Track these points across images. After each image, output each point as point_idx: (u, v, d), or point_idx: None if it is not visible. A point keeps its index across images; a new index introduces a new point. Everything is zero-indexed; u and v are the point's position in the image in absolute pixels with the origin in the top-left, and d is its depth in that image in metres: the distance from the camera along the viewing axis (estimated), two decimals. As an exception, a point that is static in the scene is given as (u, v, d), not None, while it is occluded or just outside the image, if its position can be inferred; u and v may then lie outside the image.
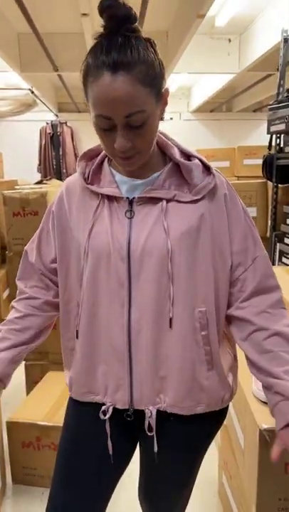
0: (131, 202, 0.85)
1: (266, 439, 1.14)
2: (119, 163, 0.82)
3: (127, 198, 0.85)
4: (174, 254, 0.82)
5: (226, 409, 0.97)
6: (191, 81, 6.61)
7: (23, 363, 2.28)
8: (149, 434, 0.87)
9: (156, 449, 0.88)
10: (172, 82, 6.30)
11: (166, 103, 0.81)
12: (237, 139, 7.11)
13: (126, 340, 0.85)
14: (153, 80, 0.75)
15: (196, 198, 0.84)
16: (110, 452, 0.90)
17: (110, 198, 0.87)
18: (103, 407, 0.89)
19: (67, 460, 0.93)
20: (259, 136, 6.98)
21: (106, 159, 0.90)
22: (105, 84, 0.72)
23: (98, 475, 0.92)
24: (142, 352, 0.85)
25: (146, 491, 1.01)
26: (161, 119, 0.82)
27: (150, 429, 0.87)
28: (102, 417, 0.89)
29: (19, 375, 2.31)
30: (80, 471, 0.92)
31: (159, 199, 0.84)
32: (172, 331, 0.84)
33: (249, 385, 1.33)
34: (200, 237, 0.84)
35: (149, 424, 0.86)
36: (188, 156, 0.88)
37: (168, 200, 0.84)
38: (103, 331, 0.87)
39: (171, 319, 0.83)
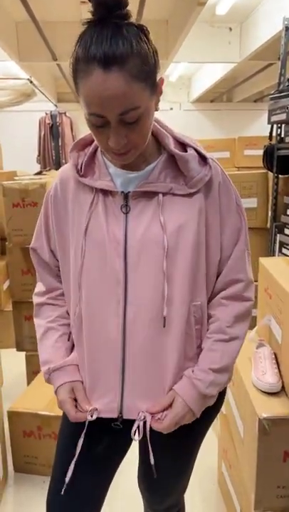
0: (126, 196, 0.83)
1: (265, 428, 1.15)
2: (114, 158, 0.80)
3: (122, 192, 0.83)
4: (171, 250, 0.80)
5: (224, 392, 0.97)
6: (191, 70, 6.55)
7: (24, 353, 2.30)
8: (134, 438, 0.84)
9: (152, 460, 0.85)
10: (172, 72, 6.23)
11: (161, 92, 0.78)
12: (238, 129, 7.06)
13: (120, 338, 0.83)
14: (147, 74, 0.71)
15: (192, 191, 0.83)
16: (77, 455, 0.87)
17: (105, 192, 0.84)
18: (88, 414, 0.85)
19: (66, 451, 0.93)
20: (260, 126, 6.93)
21: (99, 149, 0.88)
22: (97, 82, 0.68)
23: (96, 464, 0.92)
24: (136, 351, 0.83)
25: (146, 477, 1.02)
26: (156, 109, 0.79)
27: (141, 433, 0.83)
28: (89, 418, 0.85)
29: (20, 365, 2.33)
30: (78, 461, 0.91)
31: (155, 193, 0.82)
32: (167, 329, 0.83)
33: (248, 374, 1.33)
34: (197, 231, 0.83)
35: (139, 427, 0.83)
36: (183, 146, 0.85)
37: (164, 194, 0.82)
38: (97, 330, 0.85)
39: (165, 318, 0.82)
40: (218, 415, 1.70)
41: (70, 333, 0.94)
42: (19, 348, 2.28)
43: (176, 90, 7.50)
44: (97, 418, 0.85)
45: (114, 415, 0.86)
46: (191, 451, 0.97)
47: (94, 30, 0.68)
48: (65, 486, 0.87)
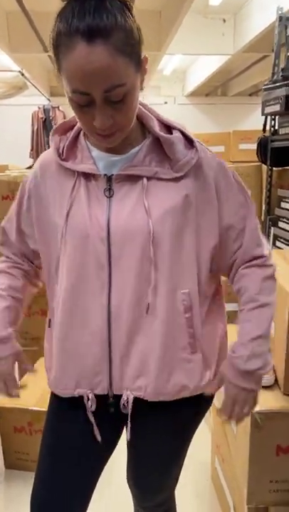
0: (109, 179, 0.81)
1: (258, 421, 1.14)
2: (99, 141, 0.77)
3: (105, 175, 0.81)
4: (157, 236, 0.78)
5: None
6: (186, 63, 6.50)
7: (16, 349, 2.27)
8: (123, 411, 0.85)
9: (128, 437, 0.86)
10: (166, 65, 6.18)
11: (145, 71, 0.75)
12: (233, 123, 7.03)
13: (105, 325, 0.82)
14: (133, 48, 0.69)
15: (178, 175, 0.80)
16: (99, 439, 0.88)
17: (87, 176, 0.82)
18: (89, 403, 0.85)
19: (51, 448, 0.91)
20: (255, 120, 6.90)
21: (82, 132, 0.85)
22: (81, 56, 0.65)
23: (82, 461, 0.90)
24: (121, 338, 0.82)
25: (135, 472, 0.99)
26: (141, 89, 0.76)
27: (126, 409, 0.84)
28: (88, 409, 0.85)
29: (11, 361, 2.30)
30: (63, 458, 0.89)
31: (139, 177, 0.80)
32: (153, 316, 0.81)
33: (241, 368, 1.32)
34: (184, 217, 0.80)
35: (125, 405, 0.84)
36: (169, 128, 0.83)
37: (149, 178, 0.80)
38: (82, 317, 0.83)
39: (148, 305, 0.80)
40: (211, 409, 1.69)
41: (20, 308, 0.94)
42: (10, 344, 2.26)
43: (170, 84, 7.46)
44: (85, 408, 0.85)
45: (105, 392, 0.85)
46: (182, 446, 0.95)
47: (75, 4, 0.66)
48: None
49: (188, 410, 0.89)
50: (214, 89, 7.24)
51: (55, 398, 0.92)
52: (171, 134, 0.81)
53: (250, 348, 0.83)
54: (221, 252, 0.87)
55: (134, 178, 0.80)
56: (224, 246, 0.86)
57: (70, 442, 0.89)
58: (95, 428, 0.87)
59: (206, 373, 0.88)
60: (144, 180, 0.79)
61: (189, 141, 0.82)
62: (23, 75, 4.49)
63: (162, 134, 0.80)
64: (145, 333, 0.82)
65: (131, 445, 0.95)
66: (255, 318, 0.84)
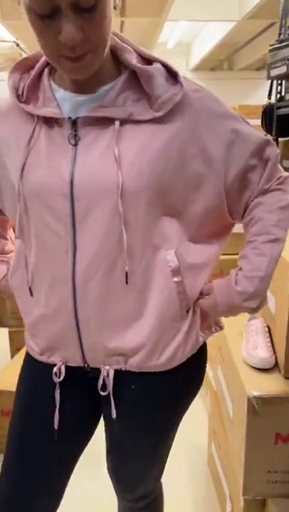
0: (75, 123, 0.68)
1: (255, 407, 1.04)
2: (66, 69, 0.63)
3: (70, 118, 0.68)
4: (129, 189, 0.66)
5: (204, 370, 0.86)
6: (190, 35, 6.24)
7: (7, 329, 2.19)
8: (102, 393, 0.76)
9: (114, 414, 0.77)
10: (170, 37, 5.94)
11: None
12: (239, 98, 6.80)
13: (70, 294, 0.71)
14: None
15: (159, 114, 0.67)
16: (56, 426, 0.79)
17: (49, 121, 0.69)
18: (55, 369, 0.78)
19: (21, 427, 0.82)
20: (262, 96, 6.67)
21: (46, 70, 0.72)
22: None
23: (58, 442, 0.81)
24: (90, 309, 0.71)
25: (112, 458, 0.89)
26: (114, 7, 0.63)
27: (104, 388, 0.76)
28: (55, 379, 0.77)
29: (3, 342, 2.23)
30: (34, 439, 0.81)
31: (111, 119, 0.67)
32: (130, 285, 0.70)
33: (239, 349, 1.23)
34: (165, 166, 0.67)
35: (104, 383, 0.76)
36: (148, 61, 0.69)
37: (122, 121, 0.67)
38: (47, 284, 0.74)
39: (127, 273, 0.69)
40: (208, 392, 1.60)
41: None
42: (2, 324, 2.19)
43: (174, 58, 7.19)
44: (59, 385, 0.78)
45: (80, 364, 0.78)
46: (166, 432, 0.84)
47: None
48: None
49: (176, 388, 0.80)
50: (220, 63, 6.98)
51: (26, 371, 0.85)
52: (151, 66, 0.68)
53: (256, 284, 0.76)
54: (235, 199, 0.76)
55: (104, 122, 0.67)
56: (239, 191, 0.76)
57: (42, 424, 0.80)
58: (56, 414, 0.79)
59: (199, 337, 0.81)
60: (117, 123, 0.66)
61: (173, 76, 0.68)
62: (18, 45, 4.28)
63: (139, 65, 0.66)
64: (122, 305, 0.72)
65: (108, 434, 0.85)
66: (268, 254, 0.76)
